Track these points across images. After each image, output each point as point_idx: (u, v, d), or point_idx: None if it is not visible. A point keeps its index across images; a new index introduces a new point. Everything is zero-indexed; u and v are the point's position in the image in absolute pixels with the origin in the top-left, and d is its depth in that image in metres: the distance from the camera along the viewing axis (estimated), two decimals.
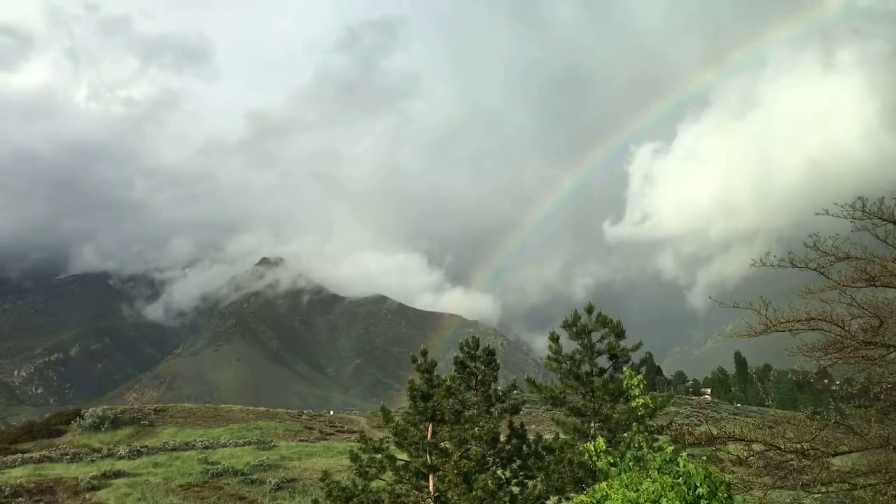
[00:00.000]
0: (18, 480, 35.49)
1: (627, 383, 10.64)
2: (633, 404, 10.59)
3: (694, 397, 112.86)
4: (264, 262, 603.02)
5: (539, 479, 19.41)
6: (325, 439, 57.06)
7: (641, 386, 10.64)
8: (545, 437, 21.54)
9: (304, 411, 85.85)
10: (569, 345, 20.81)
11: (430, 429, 18.94)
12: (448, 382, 19.26)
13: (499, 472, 18.97)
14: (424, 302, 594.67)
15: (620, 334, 20.02)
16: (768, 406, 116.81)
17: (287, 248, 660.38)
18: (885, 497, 13.17)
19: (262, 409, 75.28)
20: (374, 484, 19.04)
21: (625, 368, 11.14)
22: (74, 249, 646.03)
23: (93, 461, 42.36)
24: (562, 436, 20.74)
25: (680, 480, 8.65)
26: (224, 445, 49.66)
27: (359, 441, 19.69)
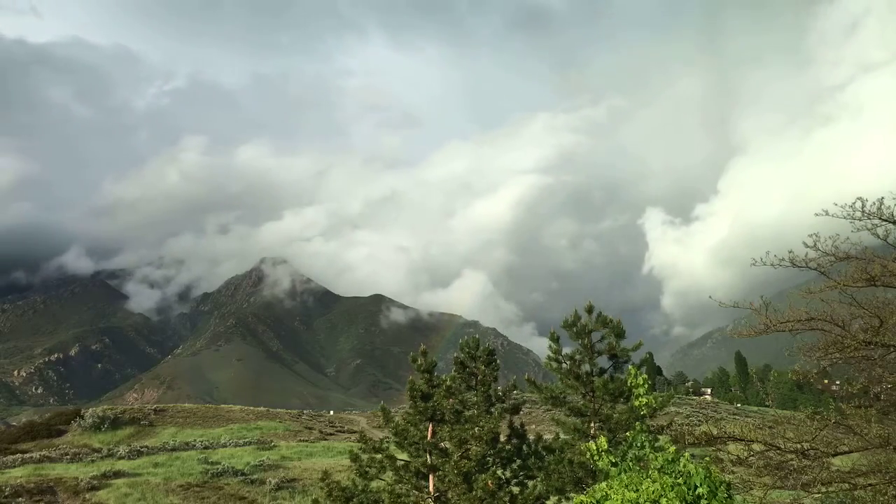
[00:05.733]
0: (18, 480, 35.48)
1: (632, 382, 10.65)
2: (637, 403, 10.59)
3: (694, 397, 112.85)
4: (265, 262, 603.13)
5: (539, 479, 19.40)
6: (325, 439, 57.04)
7: (647, 385, 10.65)
8: (545, 437, 21.54)
9: (304, 411, 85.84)
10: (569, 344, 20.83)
11: (430, 429, 18.94)
12: (448, 382, 19.27)
13: (499, 472, 18.96)
14: (427, 303, 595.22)
15: (620, 334, 19.99)
16: (768, 406, 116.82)
17: (289, 248, 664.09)
18: (885, 497, 13.17)
19: (262, 409, 75.27)
20: (374, 484, 19.04)
21: (630, 367, 11.14)
22: (76, 250, 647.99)
23: (93, 461, 42.35)
24: (562, 436, 20.73)
25: (680, 480, 8.65)
26: (224, 445, 49.65)
27: (359, 441, 19.69)
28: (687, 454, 9.18)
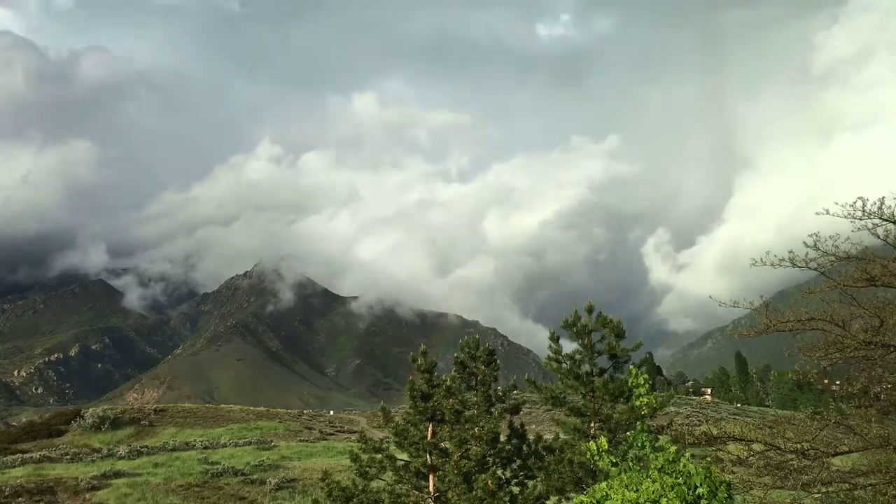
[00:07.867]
0: (18, 480, 35.49)
1: (633, 382, 10.65)
2: (637, 403, 10.59)
3: (694, 397, 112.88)
4: (265, 261, 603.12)
5: (539, 479, 19.41)
6: (326, 439, 57.05)
7: (647, 385, 10.65)
8: (545, 437, 21.55)
9: (305, 411, 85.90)
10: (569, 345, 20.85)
11: (430, 429, 18.95)
12: (448, 382, 19.27)
13: (499, 472, 18.97)
14: (427, 302, 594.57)
15: (620, 334, 20.00)
16: (768, 406, 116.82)
17: (289, 248, 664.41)
18: (886, 497, 13.16)
19: (262, 409, 75.27)
20: (374, 484, 19.05)
21: (631, 367, 11.14)
22: (75, 250, 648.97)
23: (93, 461, 42.36)
24: (562, 436, 20.74)
25: (680, 480, 8.65)
26: (224, 445, 49.66)
27: (359, 441, 19.70)
28: (687, 454, 9.18)
